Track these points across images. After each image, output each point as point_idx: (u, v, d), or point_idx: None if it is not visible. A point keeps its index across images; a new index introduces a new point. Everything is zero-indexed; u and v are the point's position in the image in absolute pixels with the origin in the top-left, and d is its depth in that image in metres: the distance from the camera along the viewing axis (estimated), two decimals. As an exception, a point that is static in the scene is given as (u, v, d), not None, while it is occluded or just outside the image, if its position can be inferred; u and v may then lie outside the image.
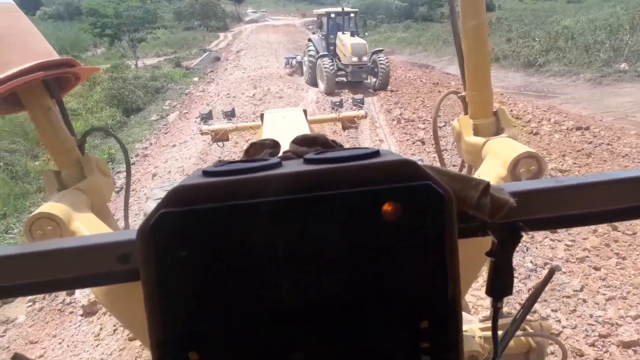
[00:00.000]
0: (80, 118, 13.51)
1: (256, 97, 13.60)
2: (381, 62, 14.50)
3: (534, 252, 4.70)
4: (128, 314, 1.06)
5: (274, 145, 0.65)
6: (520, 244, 0.56)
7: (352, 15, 17.21)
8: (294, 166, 0.47)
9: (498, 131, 1.55)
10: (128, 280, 0.54)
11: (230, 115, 4.71)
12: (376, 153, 0.47)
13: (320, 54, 15.29)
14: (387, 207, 0.43)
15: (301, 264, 0.44)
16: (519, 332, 1.56)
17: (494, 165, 1.33)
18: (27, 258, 0.53)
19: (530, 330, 1.63)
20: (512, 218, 0.54)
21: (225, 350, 0.44)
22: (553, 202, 0.57)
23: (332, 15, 16.67)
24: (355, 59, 14.48)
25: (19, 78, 1.21)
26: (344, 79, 15.24)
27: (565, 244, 4.80)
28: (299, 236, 0.43)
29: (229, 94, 14.90)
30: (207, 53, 31.57)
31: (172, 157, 8.77)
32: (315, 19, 18.79)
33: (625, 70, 12.94)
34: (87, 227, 1.23)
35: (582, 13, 25.61)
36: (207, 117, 4.40)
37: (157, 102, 16.48)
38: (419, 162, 0.46)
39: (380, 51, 15.32)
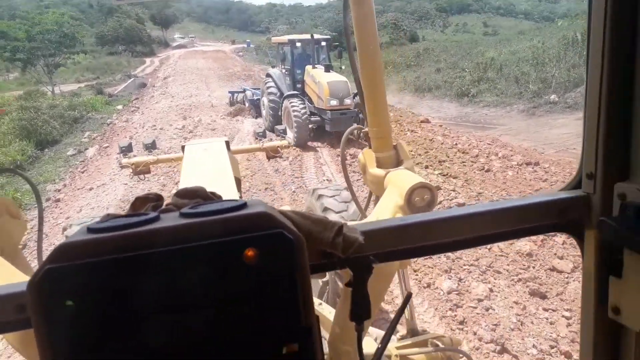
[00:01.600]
0: (-18, 153, 11.91)
1: (186, 129, 12.57)
2: None
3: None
4: (35, 355, 0.93)
5: (157, 198, 0.67)
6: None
7: (323, 44, 13.71)
8: (171, 220, 0.53)
9: (398, 163, 1.68)
10: (27, 327, 0.54)
11: (151, 147, 4.60)
12: (243, 205, 0.54)
13: (287, 93, 12.23)
14: (247, 253, 0.50)
15: (176, 309, 0.49)
16: (430, 349, 1.92)
17: (393, 194, 1.46)
18: None
19: (442, 346, 1.88)
20: (364, 252, 0.62)
21: None
22: (396, 237, 0.68)
23: (298, 44, 13.19)
24: (334, 102, 11.05)
25: None
26: (315, 126, 11.58)
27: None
28: (173, 283, 0.48)
29: (155, 125, 13.74)
30: (132, 79, 30.10)
31: (87, 205, 7.64)
32: (276, 48, 14.91)
33: (555, 102, 13.39)
34: None
35: (503, 45, 26.96)
36: (127, 150, 4.29)
37: (75, 133, 15.04)
38: (277, 210, 0.55)
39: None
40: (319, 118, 11.51)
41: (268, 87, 13.18)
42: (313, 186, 4.92)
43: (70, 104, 17.97)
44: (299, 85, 12.64)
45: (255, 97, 15.18)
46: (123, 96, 23.35)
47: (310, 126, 11.30)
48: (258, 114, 14.58)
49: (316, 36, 13.85)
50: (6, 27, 23.78)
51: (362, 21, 1.53)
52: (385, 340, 0.73)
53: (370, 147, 1.74)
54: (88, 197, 8.07)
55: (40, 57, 24.22)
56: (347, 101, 11.19)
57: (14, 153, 11.70)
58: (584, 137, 0.78)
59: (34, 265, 1.64)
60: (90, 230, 0.50)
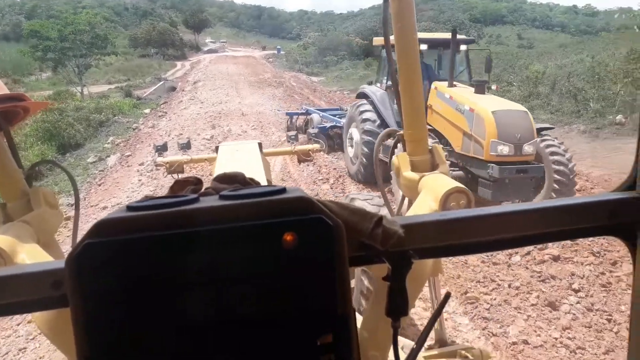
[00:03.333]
0: (0, 157, 11.28)
1: (215, 140, 11.63)
2: (554, 151, 6.65)
3: None
4: (65, 339, 1.05)
5: (197, 182, 0.67)
6: None
7: (462, 48, 8.32)
8: (210, 202, 0.53)
9: (433, 167, 1.66)
10: (63, 305, 0.54)
11: (185, 147, 4.54)
12: (282, 190, 0.54)
13: (392, 127, 6.85)
14: (286, 237, 0.50)
15: (212, 287, 0.49)
16: None
17: (428, 199, 1.46)
18: None
19: (471, 358, 1.92)
20: (403, 247, 0.60)
21: None
22: (438, 232, 0.65)
23: (423, 47, 7.59)
24: (505, 149, 6.31)
25: None
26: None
27: None
28: (213, 262, 0.49)
29: (181, 133, 12.82)
30: (162, 82, 29.72)
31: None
32: (379, 54, 9.48)
33: (621, 123, 12.05)
34: (32, 260, 1.22)
35: (547, 59, 25.56)
36: (162, 149, 4.31)
37: (99, 137, 14.38)
38: (315, 198, 0.53)
39: (547, 129, 7.49)
40: (463, 174, 6.76)
41: (362, 113, 8.31)
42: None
43: (97, 106, 17.37)
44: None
45: (326, 124, 10.86)
46: (152, 99, 22.81)
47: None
48: (331, 148, 10.29)
49: (459, 36, 7.98)
50: (39, 26, 23.52)
51: (401, 17, 1.48)
52: (420, 343, 0.68)
53: (404, 151, 1.72)
54: (101, 217, 7.04)
55: (71, 58, 23.90)
56: (529, 149, 6.35)
57: (34, 157, 11.00)
58: None
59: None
60: (129, 208, 0.51)
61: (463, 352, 2.01)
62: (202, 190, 0.64)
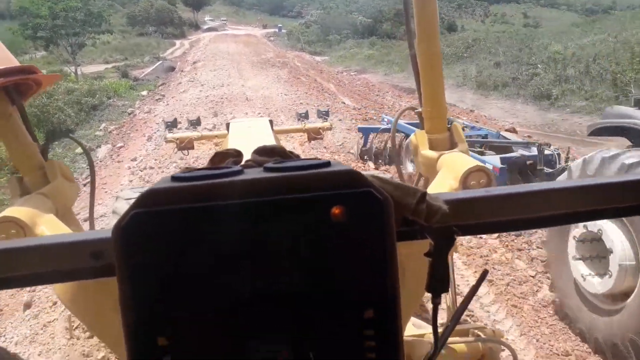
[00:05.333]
0: (-20, 147, 10.19)
1: (218, 130, 10.45)
2: None
3: None
4: (91, 311, 1.07)
5: (237, 154, 0.68)
6: None
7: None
8: (255, 174, 0.53)
9: (452, 146, 1.63)
10: (101, 275, 0.57)
11: (195, 123, 4.45)
12: (327, 164, 0.53)
13: None
14: (335, 210, 0.48)
15: (260, 259, 0.49)
16: (471, 338, 1.95)
17: (447, 177, 1.44)
18: (6, 253, 0.56)
19: (484, 337, 1.95)
20: (447, 223, 0.59)
21: (191, 336, 0.49)
22: (483, 209, 0.64)
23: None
24: None
25: None
26: None
27: None
28: (259, 235, 0.48)
29: (179, 121, 11.37)
30: (160, 62, 28.59)
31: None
32: None
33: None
34: (51, 231, 1.27)
35: (564, 38, 24.25)
36: (172, 125, 4.35)
37: (91, 123, 13.27)
38: (363, 172, 0.52)
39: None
40: None
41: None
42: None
43: (90, 89, 16.20)
44: None
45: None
46: (149, 80, 21.63)
47: None
48: None
49: None
50: (29, 3, 22.12)
51: (423, 2, 1.52)
52: (455, 319, 0.66)
53: (422, 128, 1.69)
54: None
55: (64, 36, 22.61)
56: None
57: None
58: None
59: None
60: (174, 178, 0.50)
61: (476, 331, 2.03)
62: (242, 162, 0.63)
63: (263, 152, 0.64)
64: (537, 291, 4.38)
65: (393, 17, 47.87)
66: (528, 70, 16.49)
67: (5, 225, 1.21)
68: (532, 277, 4.59)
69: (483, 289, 4.24)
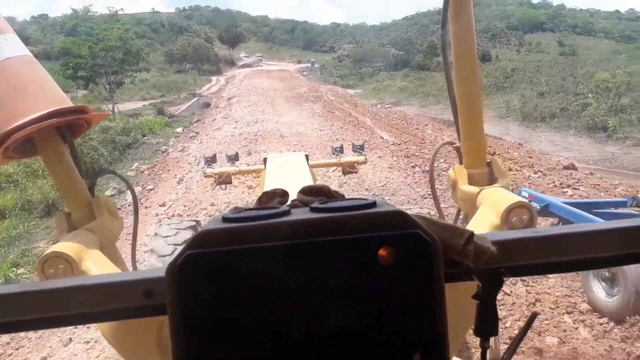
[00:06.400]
0: (11, 189, 10.01)
1: (255, 166, 9.99)
2: None
3: None
4: (136, 350, 1.10)
5: (283, 194, 0.68)
6: None
7: None
8: (302, 214, 0.53)
9: (492, 181, 1.59)
10: (151, 314, 0.57)
11: (233, 158, 4.53)
12: (373, 204, 0.52)
13: None
14: (382, 252, 0.48)
15: (307, 300, 0.49)
16: None
17: (488, 214, 1.39)
18: (62, 292, 0.57)
19: None
20: (494, 264, 0.58)
21: None
22: (531, 250, 0.62)
23: None
24: None
25: (34, 125, 1.31)
26: None
27: None
28: (307, 276, 0.48)
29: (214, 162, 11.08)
30: (196, 98, 28.94)
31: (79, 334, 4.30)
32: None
33: None
34: (97, 267, 1.28)
35: (607, 67, 23.19)
36: (211, 161, 4.46)
37: (124, 162, 13.07)
38: (409, 212, 0.52)
39: None
40: None
41: None
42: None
43: (125, 126, 16.16)
44: None
45: None
46: (185, 117, 21.69)
47: None
48: None
49: None
50: (70, 44, 22.91)
51: (461, 34, 1.49)
52: (508, 357, 0.64)
53: (461, 163, 1.67)
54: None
55: (102, 75, 23.09)
56: None
57: (48, 189, 9.70)
58: None
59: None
60: (225, 219, 0.51)
61: None
62: (289, 202, 0.63)
63: (309, 191, 0.64)
64: None
65: (426, 49, 47.66)
66: (577, 100, 15.52)
67: (55, 261, 1.23)
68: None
69: None
